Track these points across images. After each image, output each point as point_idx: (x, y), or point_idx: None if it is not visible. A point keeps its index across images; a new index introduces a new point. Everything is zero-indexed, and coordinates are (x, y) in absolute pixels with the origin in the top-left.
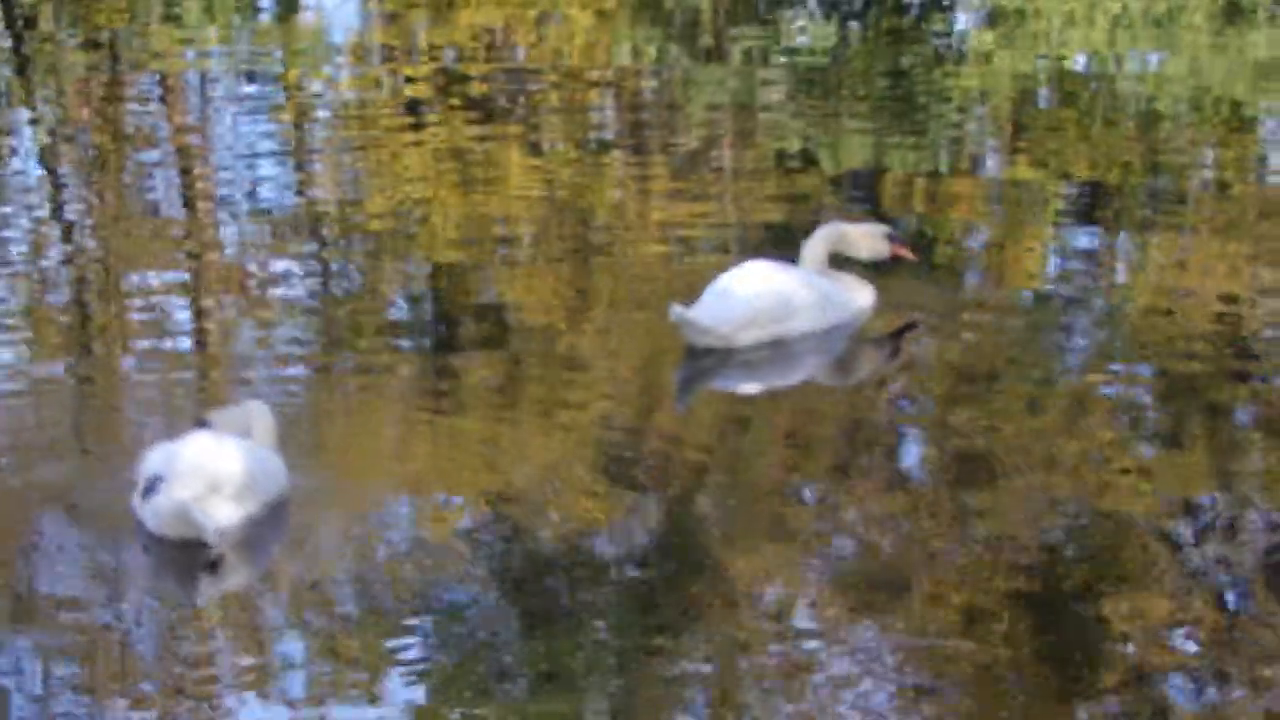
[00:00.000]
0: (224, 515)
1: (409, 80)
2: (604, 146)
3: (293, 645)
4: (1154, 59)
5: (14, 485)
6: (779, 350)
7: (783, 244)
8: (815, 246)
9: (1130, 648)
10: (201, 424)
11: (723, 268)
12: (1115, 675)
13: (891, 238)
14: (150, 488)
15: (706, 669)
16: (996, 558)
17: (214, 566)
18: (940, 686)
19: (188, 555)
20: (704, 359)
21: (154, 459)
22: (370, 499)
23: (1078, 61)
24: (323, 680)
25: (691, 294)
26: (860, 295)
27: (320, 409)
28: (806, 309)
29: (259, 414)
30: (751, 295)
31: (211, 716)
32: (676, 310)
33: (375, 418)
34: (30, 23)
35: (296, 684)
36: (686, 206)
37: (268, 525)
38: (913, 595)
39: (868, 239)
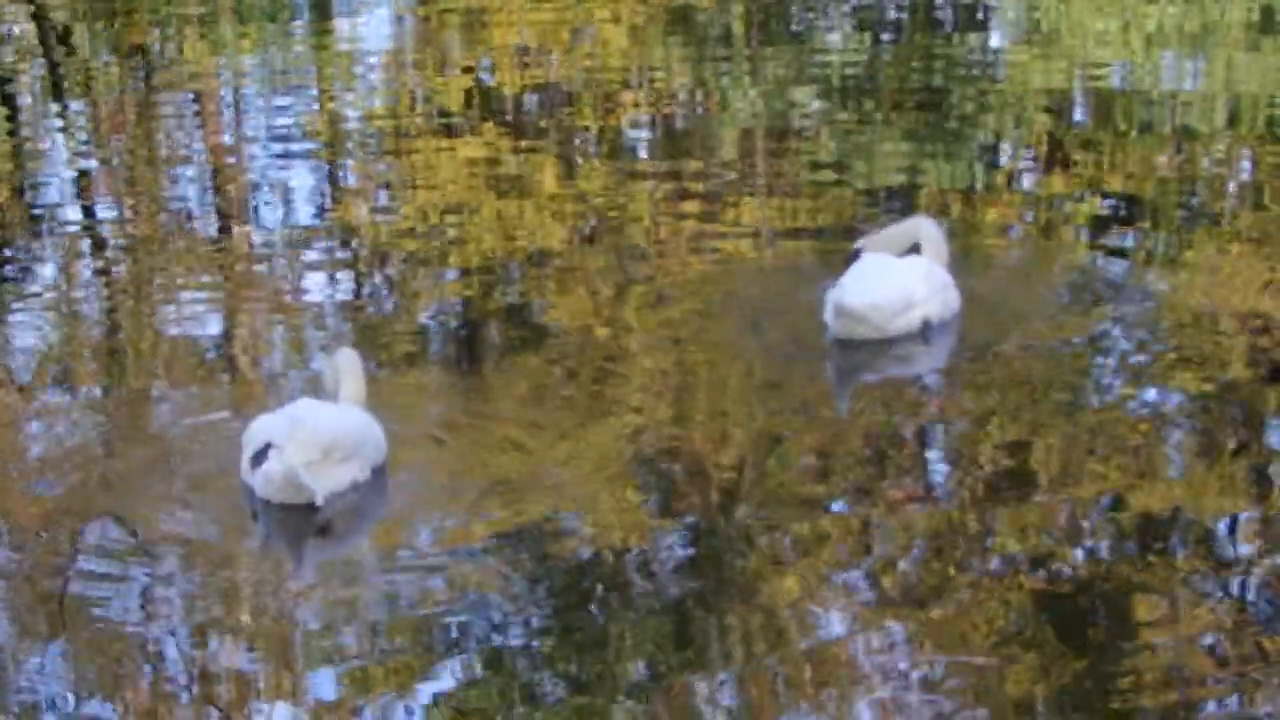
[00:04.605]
0: (333, 481)
1: (440, 95)
2: (637, 160)
3: (330, 650)
4: (1190, 72)
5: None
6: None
7: (817, 256)
8: (938, 241)
9: (1163, 663)
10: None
11: (758, 279)
12: (1149, 691)
13: None
14: (259, 455)
15: (737, 687)
16: (1031, 574)
17: (322, 531)
18: (975, 704)
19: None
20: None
21: (262, 427)
22: (402, 509)
23: (1113, 75)
24: (352, 685)
25: (725, 306)
26: None
27: None
28: (942, 294)
29: (347, 361)
30: (901, 282)
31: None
32: (838, 299)
33: (407, 428)
34: (64, 39)
35: (327, 687)
36: (720, 220)
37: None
38: (947, 613)
39: None
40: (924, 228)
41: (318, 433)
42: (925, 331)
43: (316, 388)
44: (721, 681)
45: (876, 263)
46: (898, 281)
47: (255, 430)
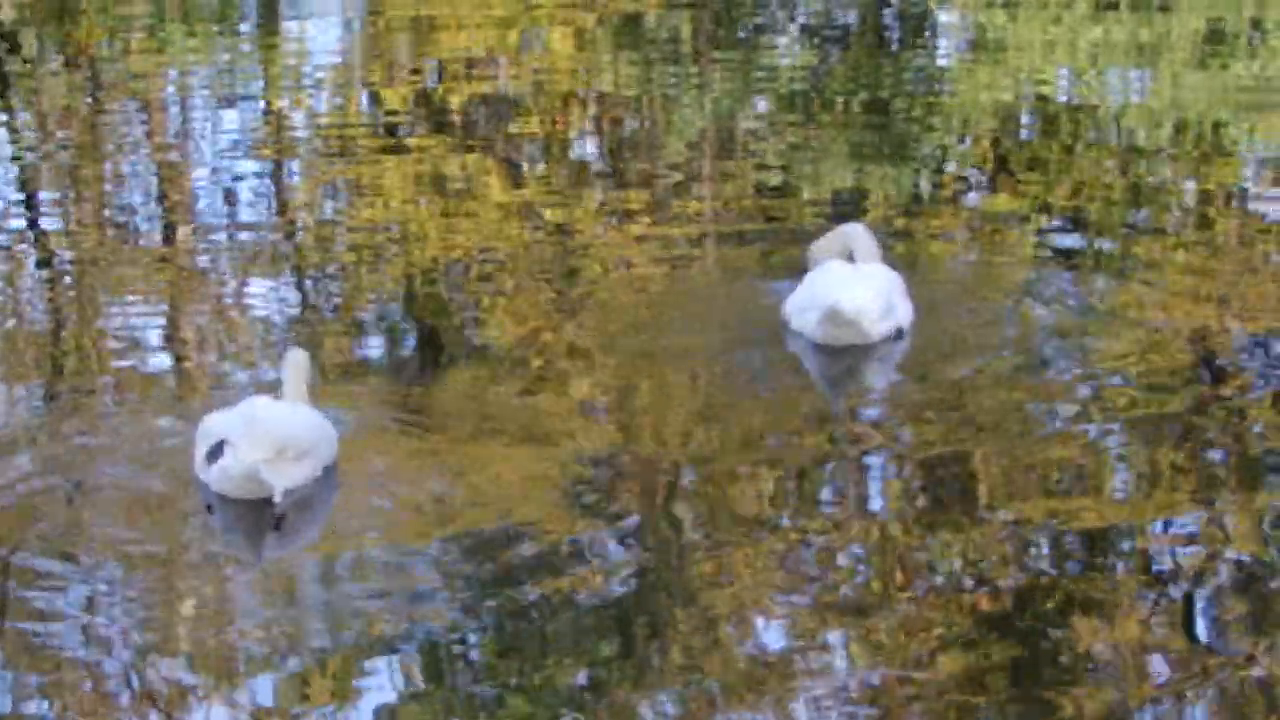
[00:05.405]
0: (288, 478)
1: (388, 102)
2: (584, 170)
3: (270, 656)
4: (1135, 87)
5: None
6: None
7: (763, 265)
8: (869, 246)
9: (1102, 676)
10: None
11: (705, 286)
12: (1087, 703)
13: None
14: (214, 451)
15: (678, 697)
16: (970, 588)
17: (277, 525)
18: (914, 716)
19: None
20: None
21: (216, 424)
22: (343, 518)
23: (1059, 89)
24: (292, 691)
25: (668, 316)
26: None
27: None
28: (905, 300)
29: (294, 361)
30: (880, 288)
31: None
32: (834, 304)
33: (353, 432)
34: (10, 42)
35: (266, 693)
36: (666, 227)
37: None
38: (886, 623)
39: None
40: (855, 234)
41: (272, 431)
42: (898, 337)
43: (264, 387)
44: (662, 691)
45: (845, 269)
46: (878, 287)
47: (209, 426)
